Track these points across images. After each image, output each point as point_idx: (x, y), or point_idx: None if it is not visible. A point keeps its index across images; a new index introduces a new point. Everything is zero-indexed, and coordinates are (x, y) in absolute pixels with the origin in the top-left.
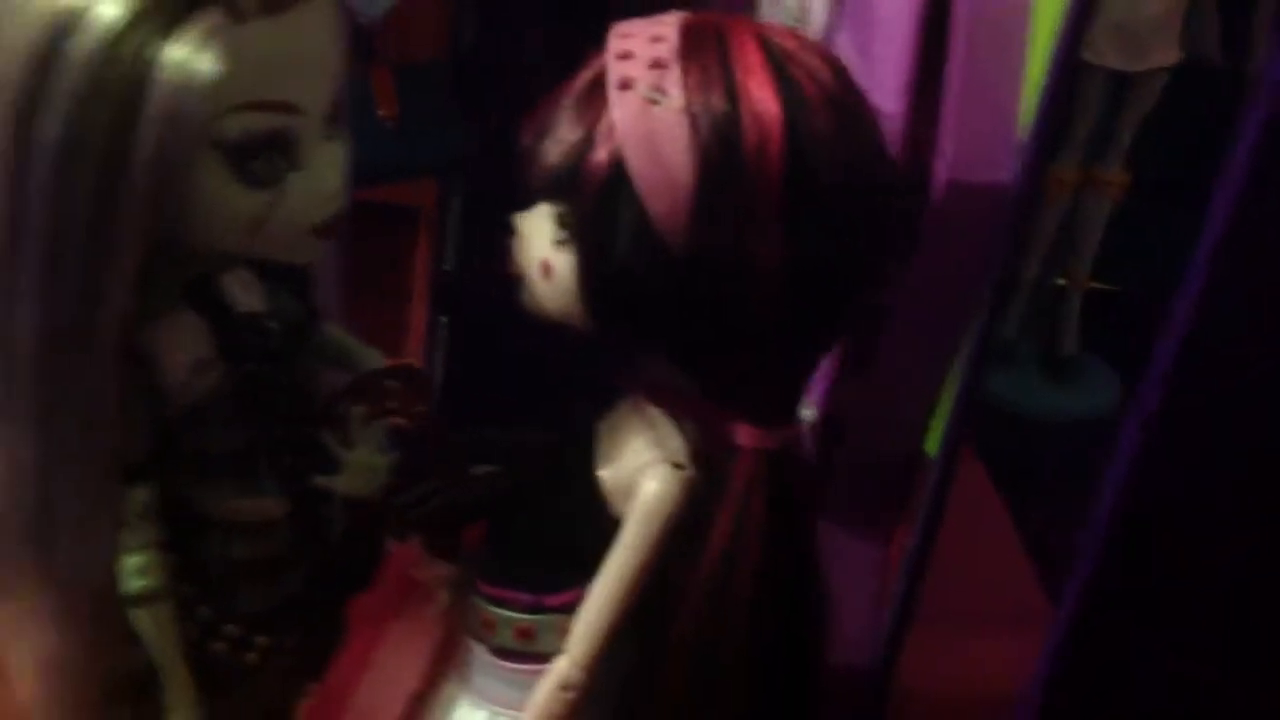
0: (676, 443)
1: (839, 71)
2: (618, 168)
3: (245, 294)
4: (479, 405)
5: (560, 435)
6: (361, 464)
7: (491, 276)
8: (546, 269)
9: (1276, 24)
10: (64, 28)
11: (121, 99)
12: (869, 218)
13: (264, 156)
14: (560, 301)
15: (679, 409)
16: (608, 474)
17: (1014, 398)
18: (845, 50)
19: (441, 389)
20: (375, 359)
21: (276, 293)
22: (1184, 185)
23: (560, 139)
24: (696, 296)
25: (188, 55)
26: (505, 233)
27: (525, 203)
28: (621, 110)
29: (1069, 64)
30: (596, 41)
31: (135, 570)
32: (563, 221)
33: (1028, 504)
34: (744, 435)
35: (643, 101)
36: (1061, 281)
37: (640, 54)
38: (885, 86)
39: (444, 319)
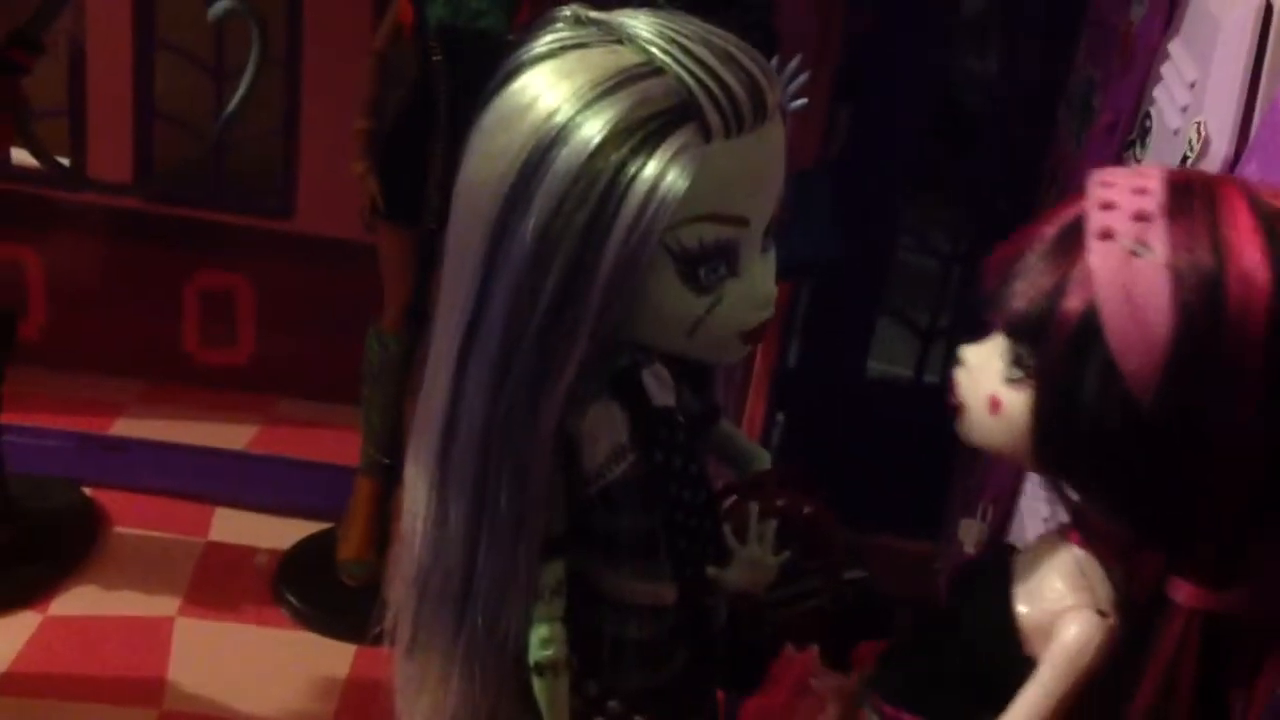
0: (1103, 588)
1: None
2: (1090, 317)
3: (660, 389)
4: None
5: (973, 562)
6: (753, 559)
7: (832, 378)
8: (996, 405)
9: None
10: (552, 140)
11: (596, 205)
12: None
13: (710, 264)
14: (1005, 439)
15: (1111, 554)
16: (1026, 610)
17: None
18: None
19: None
20: (765, 459)
21: (683, 389)
22: None
23: (1032, 282)
24: (1157, 453)
25: (660, 169)
26: (847, 335)
27: (975, 332)
28: (1101, 260)
29: None
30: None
31: (543, 640)
32: (1020, 361)
33: None
34: (1182, 593)
35: (1124, 253)
36: None
37: (1123, 205)
38: None
39: (780, 416)
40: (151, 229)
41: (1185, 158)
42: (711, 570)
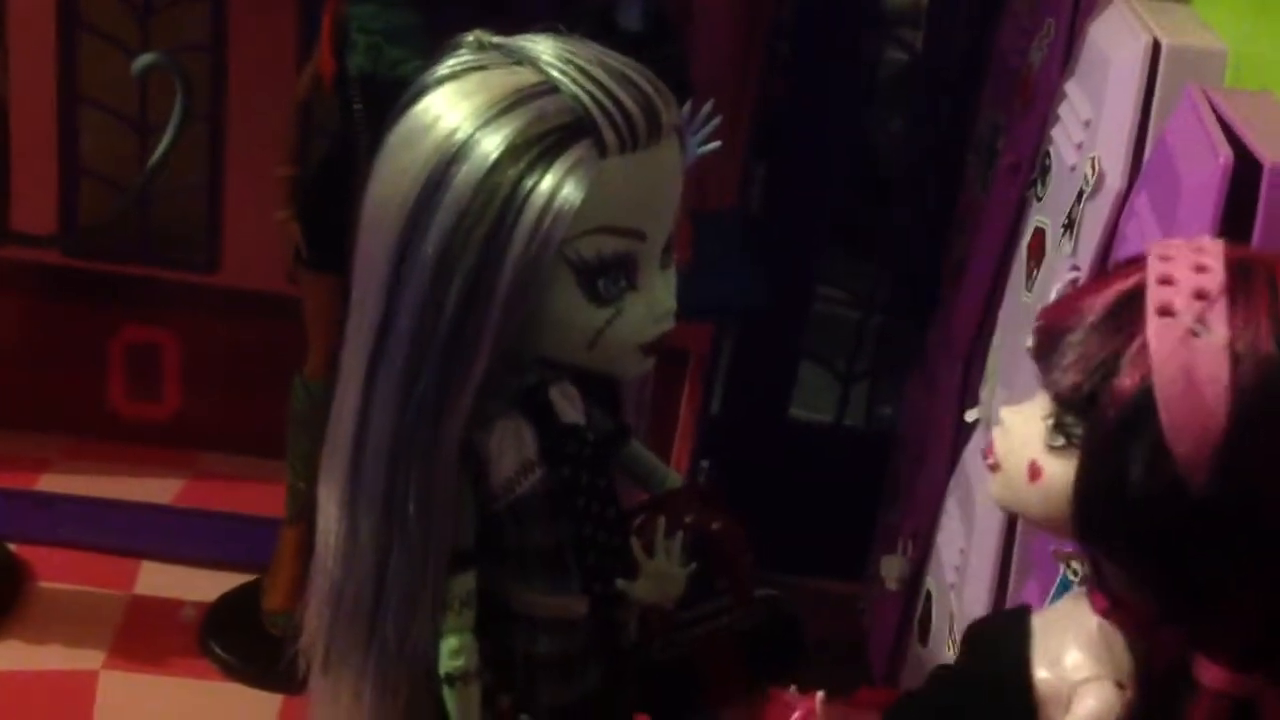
0: (1125, 659)
1: None
2: (1144, 395)
3: (567, 405)
4: None
5: (989, 620)
6: (661, 572)
7: (756, 424)
8: (1036, 472)
9: None
10: (452, 157)
11: (495, 218)
12: None
13: (610, 276)
14: (1042, 508)
15: (1135, 625)
16: (1045, 676)
17: None
18: (1144, 215)
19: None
20: (674, 478)
21: (591, 407)
22: None
23: (1085, 353)
24: (1202, 535)
25: (556, 182)
26: (770, 381)
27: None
28: (1159, 338)
29: None
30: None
31: (452, 651)
32: (1064, 429)
33: None
34: (1209, 674)
35: (1184, 332)
36: None
37: (1183, 281)
38: None
39: (705, 463)
40: (76, 284)
41: (1081, 192)
42: (620, 583)
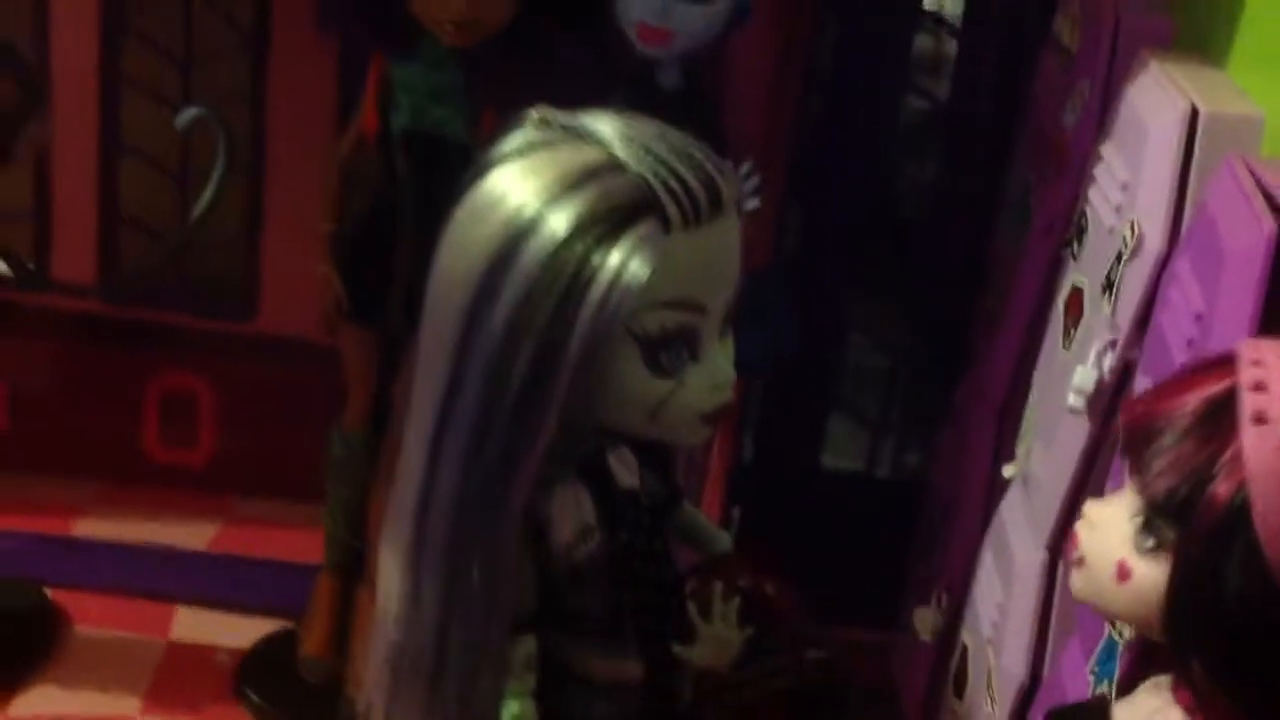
0: None
1: None
2: (1240, 504)
3: (624, 471)
4: None
5: (1070, 709)
6: (717, 636)
7: (787, 472)
8: (1125, 574)
9: None
10: (521, 232)
11: (564, 293)
12: None
13: (672, 349)
14: (1131, 609)
15: None
16: None
17: None
18: (1187, 281)
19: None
20: (725, 541)
21: (645, 472)
22: None
23: (1179, 458)
24: None
25: (623, 259)
26: (800, 430)
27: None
28: (1255, 447)
29: None
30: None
31: (515, 716)
32: (1155, 531)
33: None
34: None
35: (1279, 441)
36: None
37: (1276, 387)
38: (1233, 322)
39: (736, 510)
40: (114, 332)
41: (1120, 254)
42: (677, 648)
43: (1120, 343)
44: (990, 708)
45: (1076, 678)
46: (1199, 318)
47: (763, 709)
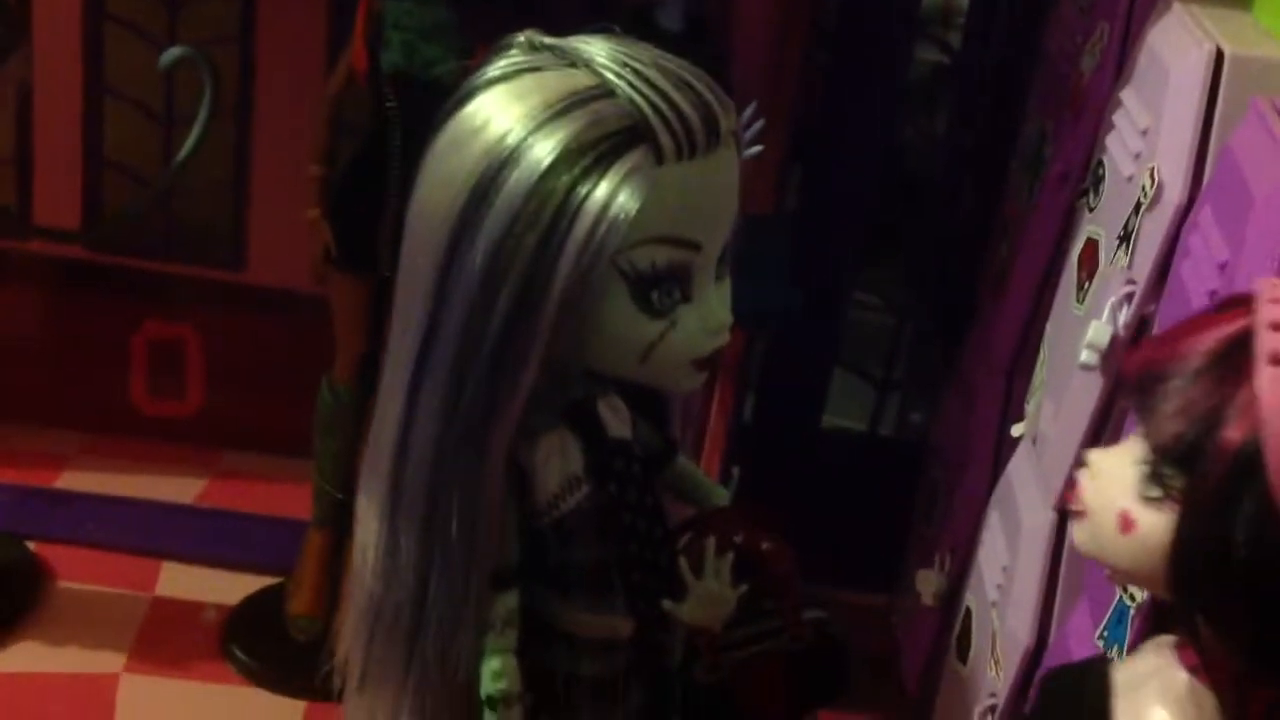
0: None
1: None
2: (1253, 449)
3: (615, 420)
4: None
5: (1068, 670)
6: (710, 593)
7: (788, 431)
8: (1128, 524)
9: None
10: (503, 161)
11: (548, 226)
12: None
13: (663, 287)
14: (1134, 561)
15: (1225, 682)
16: None
17: None
18: (1209, 230)
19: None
20: (721, 496)
21: (639, 422)
22: None
23: (1188, 402)
24: None
25: (612, 189)
26: (802, 388)
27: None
28: (1272, 390)
29: None
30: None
31: (495, 673)
32: (1161, 479)
33: None
34: None
35: None
36: None
37: None
38: (1259, 271)
39: (736, 470)
40: (98, 279)
41: (1139, 204)
42: (667, 604)
43: (1137, 296)
44: (994, 672)
45: (1084, 643)
46: (1223, 266)
47: (755, 669)
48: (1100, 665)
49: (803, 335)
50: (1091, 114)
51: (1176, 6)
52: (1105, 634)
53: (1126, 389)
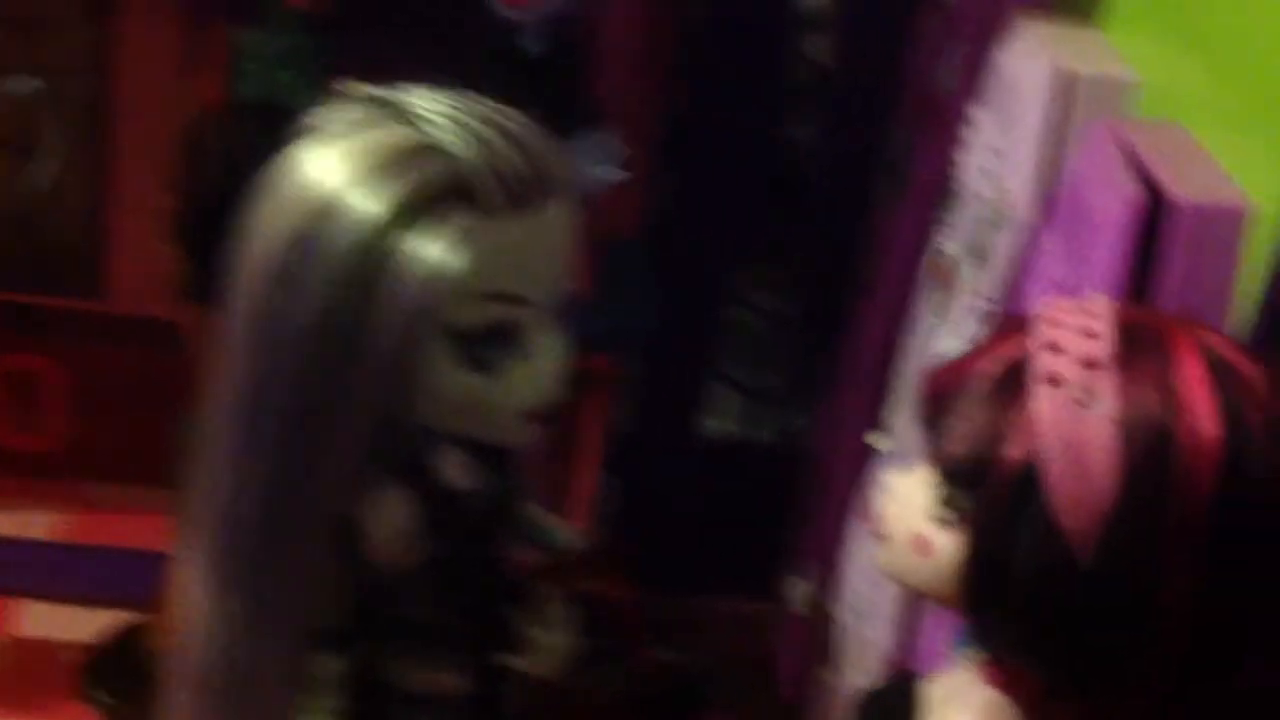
0: None
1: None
2: (1031, 469)
3: (454, 472)
4: (647, 568)
5: (878, 692)
6: (549, 645)
7: (665, 441)
8: (923, 546)
9: None
10: (325, 214)
11: (374, 286)
12: None
13: (492, 344)
14: (933, 582)
15: (1029, 702)
16: None
17: None
18: (1052, 250)
19: (608, 550)
20: (571, 541)
21: (482, 471)
22: None
23: (971, 425)
24: (1090, 612)
25: (439, 251)
26: (677, 398)
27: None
28: (1046, 409)
29: None
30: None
31: None
32: (951, 502)
33: None
34: None
35: (1071, 403)
36: None
37: (1071, 349)
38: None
39: (613, 480)
40: None
41: (989, 222)
42: (506, 658)
43: (989, 313)
44: (860, 681)
45: (938, 652)
46: (1066, 287)
47: (607, 715)
48: (911, 682)
49: (679, 344)
50: (949, 130)
51: (1028, 25)
52: (959, 642)
53: (919, 414)
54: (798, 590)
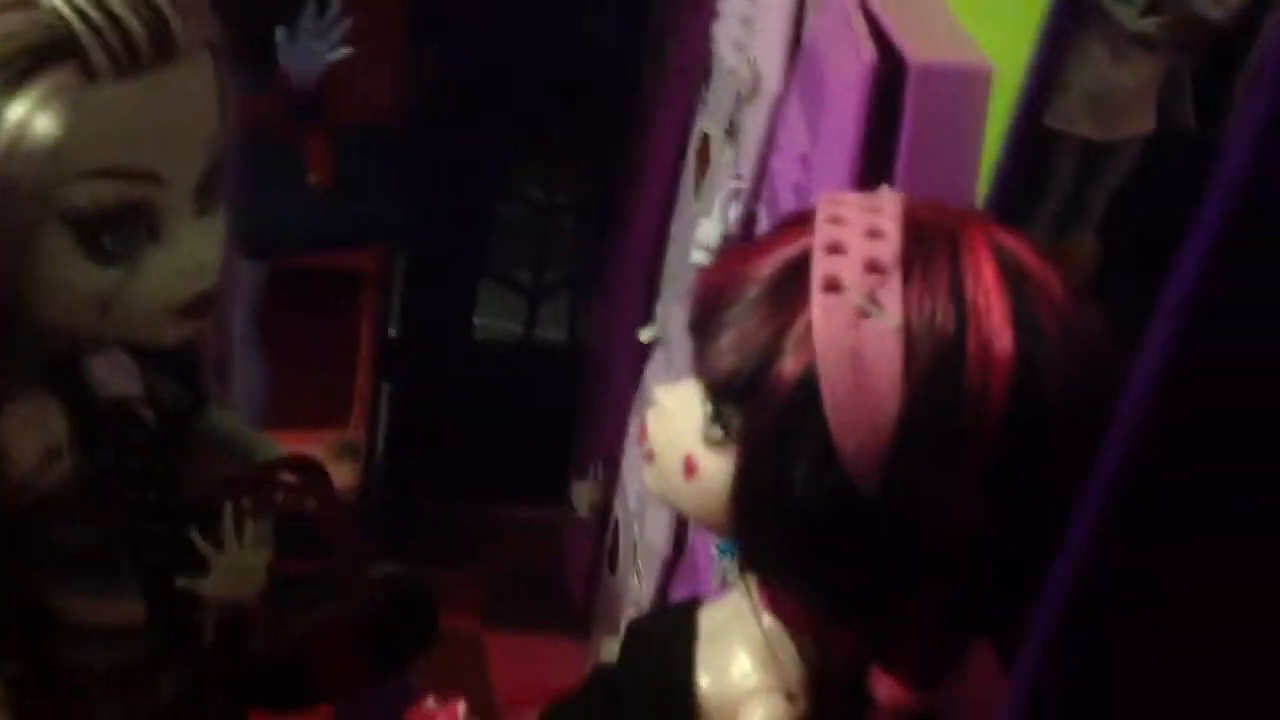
0: (795, 668)
1: (1077, 295)
2: (807, 385)
3: (116, 377)
4: (420, 475)
5: (654, 617)
6: (233, 565)
7: (438, 344)
8: (691, 467)
9: (1250, 87)
10: None
11: None
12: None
13: (116, 229)
14: (698, 505)
15: (806, 630)
16: (709, 685)
17: None
18: (795, 122)
19: (383, 457)
20: (269, 448)
21: (156, 376)
22: (1156, 254)
23: (742, 334)
24: (869, 541)
25: (25, 115)
26: (450, 298)
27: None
28: (825, 318)
29: (1028, 134)
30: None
31: None
32: (722, 419)
33: None
34: (883, 689)
35: (852, 311)
36: None
37: (854, 249)
38: (833, 165)
39: (388, 386)
40: None
41: (739, 95)
42: (184, 581)
43: (745, 191)
44: (637, 582)
45: (705, 553)
46: (804, 159)
47: (321, 635)
48: (685, 612)
49: (447, 243)
50: (706, 6)
51: None
52: (720, 544)
53: (688, 321)
54: (582, 494)
